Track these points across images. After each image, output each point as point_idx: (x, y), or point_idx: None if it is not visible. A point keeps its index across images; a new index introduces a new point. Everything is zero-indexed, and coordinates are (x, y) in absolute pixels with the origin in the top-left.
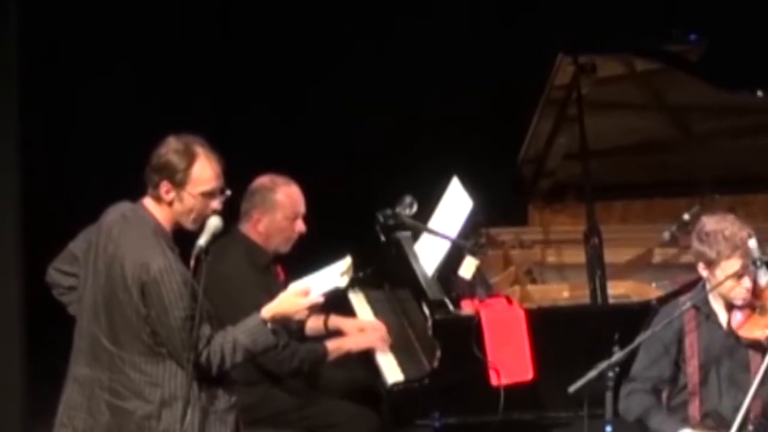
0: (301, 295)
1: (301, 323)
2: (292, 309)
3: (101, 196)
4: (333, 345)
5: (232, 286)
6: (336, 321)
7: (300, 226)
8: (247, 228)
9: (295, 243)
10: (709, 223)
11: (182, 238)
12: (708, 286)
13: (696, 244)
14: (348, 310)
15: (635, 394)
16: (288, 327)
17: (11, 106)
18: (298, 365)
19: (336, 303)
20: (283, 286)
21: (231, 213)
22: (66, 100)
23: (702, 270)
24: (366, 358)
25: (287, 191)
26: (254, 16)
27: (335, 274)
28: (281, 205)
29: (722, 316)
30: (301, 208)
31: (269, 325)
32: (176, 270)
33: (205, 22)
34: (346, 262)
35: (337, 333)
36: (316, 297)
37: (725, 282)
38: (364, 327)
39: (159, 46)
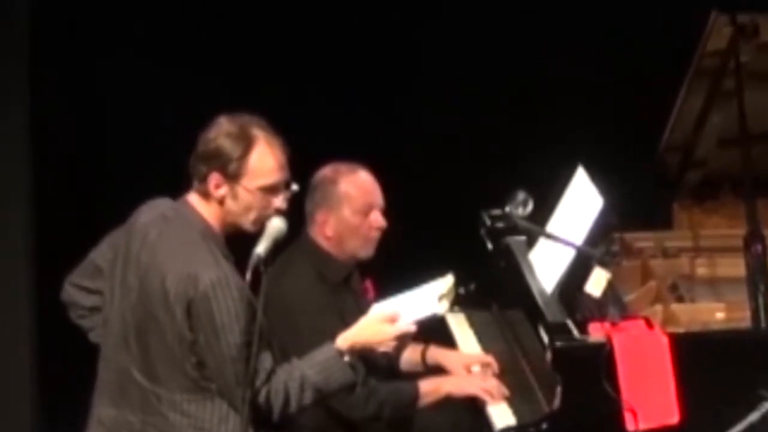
0: (387, 321)
1: (390, 357)
2: (375, 339)
3: (130, 191)
4: (428, 386)
5: (291, 308)
6: (436, 354)
7: (377, 219)
8: (315, 233)
9: (381, 249)
10: None
11: (235, 243)
12: None
13: None
14: (446, 337)
15: None
16: (369, 361)
17: (21, 95)
18: (374, 411)
19: (437, 328)
20: (369, 306)
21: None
22: (84, 76)
23: None
24: (469, 397)
25: (352, 180)
26: None
27: (432, 297)
28: (347, 198)
29: None
30: (375, 197)
31: (346, 357)
32: (233, 284)
33: None
34: (448, 282)
35: (438, 369)
36: (407, 325)
37: None
38: (471, 364)
39: (211, 11)
